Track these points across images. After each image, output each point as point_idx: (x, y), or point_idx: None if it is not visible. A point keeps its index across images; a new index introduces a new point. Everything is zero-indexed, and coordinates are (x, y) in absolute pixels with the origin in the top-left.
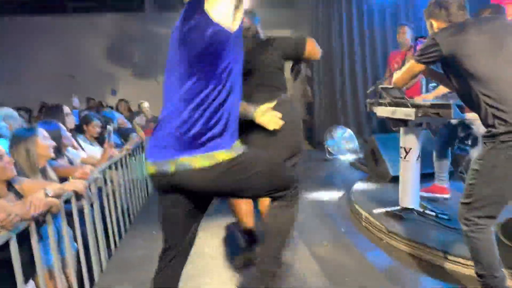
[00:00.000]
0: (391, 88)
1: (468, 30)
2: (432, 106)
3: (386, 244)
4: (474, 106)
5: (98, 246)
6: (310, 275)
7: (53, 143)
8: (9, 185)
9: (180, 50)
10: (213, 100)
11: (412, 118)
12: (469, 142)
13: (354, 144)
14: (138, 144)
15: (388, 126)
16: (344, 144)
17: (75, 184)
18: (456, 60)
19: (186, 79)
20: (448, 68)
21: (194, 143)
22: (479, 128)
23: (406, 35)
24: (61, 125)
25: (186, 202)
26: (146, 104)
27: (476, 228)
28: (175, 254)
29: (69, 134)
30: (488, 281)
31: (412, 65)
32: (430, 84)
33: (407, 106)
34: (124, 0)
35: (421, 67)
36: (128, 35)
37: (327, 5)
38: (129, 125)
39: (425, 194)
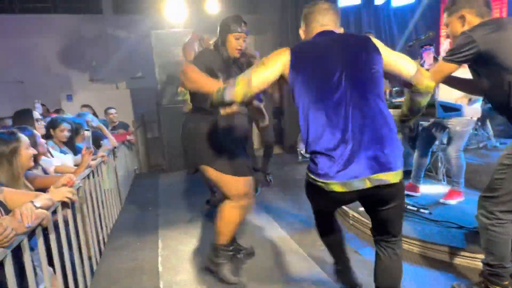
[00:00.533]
0: None
1: (507, 28)
2: None
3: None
4: (503, 104)
5: (82, 259)
6: (311, 274)
7: (34, 151)
8: None
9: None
10: None
11: (397, 118)
12: (445, 141)
13: None
14: (110, 151)
15: None
16: None
17: (62, 194)
18: (492, 57)
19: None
20: (480, 65)
21: None
22: (455, 127)
23: None
24: (35, 131)
25: None
26: (113, 110)
27: (498, 222)
28: None
29: (43, 141)
30: (497, 270)
31: (442, 66)
32: (394, 88)
33: (389, 107)
34: (80, 1)
35: (453, 67)
36: (85, 37)
37: (294, 10)
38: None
39: None
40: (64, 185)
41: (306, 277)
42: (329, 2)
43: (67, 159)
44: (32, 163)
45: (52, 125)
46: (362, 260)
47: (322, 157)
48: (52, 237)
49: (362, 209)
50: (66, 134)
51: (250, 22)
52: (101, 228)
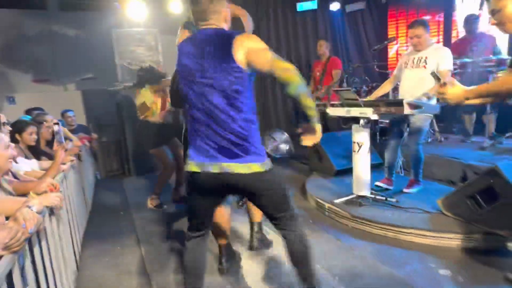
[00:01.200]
0: (343, 90)
1: None
2: (386, 104)
3: (352, 229)
4: None
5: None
6: None
7: (14, 153)
8: None
9: None
10: None
11: (369, 115)
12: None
13: (291, 145)
14: (76, 154)
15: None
16: (283, 146)
17: (51, 198)
18: None
19: None
20: None
21: None
22: (415, 123)
23: (324, 47)
24: (4, 135)
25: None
26: (71, 113)
27: None
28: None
29: (13, 145)
30: None
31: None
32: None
33: (360, 106)
34: None
35: None
36: (27, 35)
37: (255, 11)
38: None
39: (380, 185)
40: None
41: None
42: None
43: (33, 164)
44: (11, 165)
45: (18, 129)
46: (344, 247)
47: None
48: (41, 244)
49: (337, 200)
50: (34, 137)
51: None
52: (75, 233)
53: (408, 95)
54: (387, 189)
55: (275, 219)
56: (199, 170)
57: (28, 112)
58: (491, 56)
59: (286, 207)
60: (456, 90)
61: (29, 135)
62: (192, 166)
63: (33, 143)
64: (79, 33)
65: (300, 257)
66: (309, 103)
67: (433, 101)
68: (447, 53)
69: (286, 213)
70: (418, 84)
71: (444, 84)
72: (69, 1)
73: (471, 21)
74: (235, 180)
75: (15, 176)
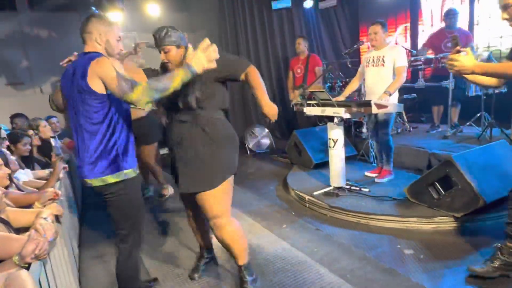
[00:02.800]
0: (319, 91)
1: None
2: (357, 104)
3: (330, 218)
4: None
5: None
6: (284, 251)
7: (9, 171)
8: None
9: None
10: None
11: (342, 115)
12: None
13: (271, 140)
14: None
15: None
16: (263, 141)
17: (56, 208)
18: None
19: None
20: None
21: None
22: (382, 116)
23: (302, 45)
24: (4, 149)
25: None
26: (54, 119)
27: None
28: None
29: (14, 158)
30: None
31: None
32: (327, 84)
33: (334, 106)
34: None
35: None
36: None
37: (232, 10)
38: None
39: (379, 180)
40: (51, 199)
41: (280, 254)
42: (89, 14)
43: (28, 174)
44: (8, 182)
45: (13, 140)
46: (323, 235)
47: None
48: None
49: (316, 193)
50: (28, 147)
51: (183, 20)
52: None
53: (372, 91)
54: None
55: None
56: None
57: (13, 118)
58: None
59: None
60: (467, 61)
61: (23, 146)
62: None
63: (27, 154)
64: (52, 35)
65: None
66: (175, 83)
67: (395, 97)
68: (401, 51)
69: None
70: (380, 81)
71: (458, 52)
72: (40, 1)
73: (451, 15)
74: None
75: (19, 189)
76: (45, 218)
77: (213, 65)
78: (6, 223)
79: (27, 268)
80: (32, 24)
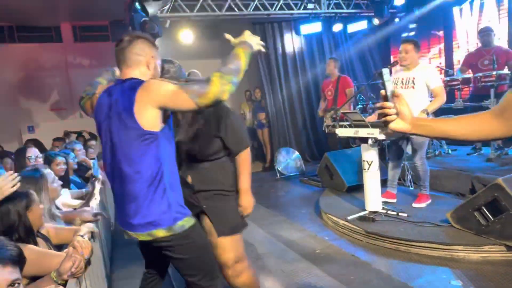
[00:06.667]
0: (351, 112)
1: None
2: None
3: (366, 244)
4: None
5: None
6: (319, 279)
7: (60, 183)
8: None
9: None
10: None
11: (376, 135)
12: (409, 152)
13: (301, 163)
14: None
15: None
16: (293, 164)
17: (90, 225)
18: None
19: None
20: None
21: None
22: (416, 139)
23: (332, 66)
24: (49, 170)
25: None
26: (93, 142)
27: None
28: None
29: (56, 177)
30: None
31: None
32: (357, 106)
33: (367, 127)
34: (39, 31)
35: None
36: (44, 66)
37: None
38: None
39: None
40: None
41: (314, 283)
42: (133, 34)
43: (66, 194)
44: (61, 194)
45: (47, 161)
46: (360, 262)
47: None
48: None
49: (350, 217)
50: (63, 167)
51: (214, 47)
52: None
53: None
54: (389, 203)
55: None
56: None
57: (54, 141)
58: (498, 71)
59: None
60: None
61: (57, 166)
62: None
63: (62, 173)
64: (93, 63)
65: None
66: (243, 61)
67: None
68: (433, 71)
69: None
70: (410, 104)
71: (386, 99)
72: (83, 32)
73: (485, 33)
74: None
75: (58, 208)
76: (82, 236)
77: (262, 48)
78: (47, 239)
79: (64, 285)
80: (75, 53)
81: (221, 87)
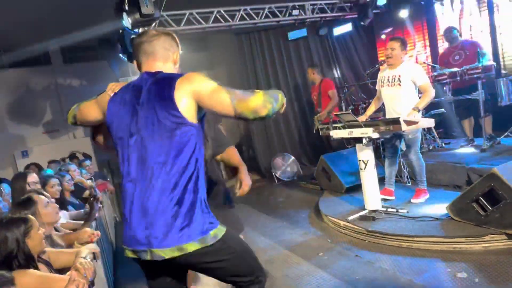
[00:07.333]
0: (344, 113)
1: None
2: (385, 123)
3: (369, 243)
4: None
5: None
6: (324, 281)
7: (56, 207)
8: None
9: None
10: None
11: (370, 135)
12: (403, 148)
13: (298, 167)
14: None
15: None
16: (290, 169)
17: (91, 246)
18: None
19: None
20: None
21: None
22: (408, 136)
23: (312, 74)
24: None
25: None
26: (88, 162)
27: None
28: None
29: (51, 200)
30: None
31: None
32: (349, 107)
33: (361, 127)
34: (28, 55)
35: None
36: (35, 90)
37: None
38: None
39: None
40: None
41: (320, 285)
42: (159, 29)
43: (64, 215)
44: (59, 217)
45: (43, 182)
46: (364, 261)
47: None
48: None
49: (351, 217)
50: (58, 188)
51: (203, 58)
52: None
53: (394, 112)
54: (387, 200)
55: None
56: None
57: (49, 163)
58: (476, 62)
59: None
60: None
61: (52, 188)
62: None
63: (57, 195)
64: (84, 83)
65: None
66: (280, 96)
67: (418, 115)
68: (418, 69)
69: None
70: (397, 101)
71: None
72: (72, 53)
73: (447, 32)
74: None
75: (56, 229)
76: (84, 257)
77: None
78: (48, 264)
79: None
80: (65, 75)
81: (263, 102)
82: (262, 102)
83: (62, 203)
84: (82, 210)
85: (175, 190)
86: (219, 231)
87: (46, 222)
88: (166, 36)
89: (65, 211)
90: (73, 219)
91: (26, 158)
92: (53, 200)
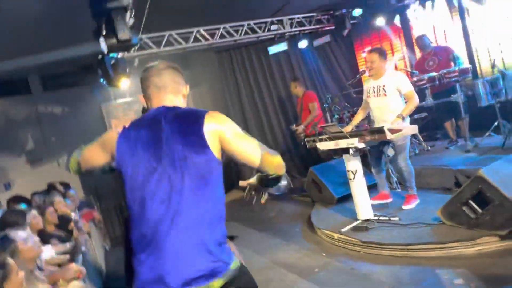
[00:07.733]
0: (329, 125)
1: None
2: (370, 132)
3: (364, 254)
4: None
5: None
6: None
7: (38, 240)
8: None
9: None
10: None
11: (356, 145)
12: (390, 154)
13: (288, 180)
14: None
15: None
16: (281, 182)
17: (77, 284)
18: None
19: None
20: None
21: None
22: (397, 142)
23: (294, 88)
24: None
25: None
26: (72, 192)
27: None
28: None
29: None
30: None
31: None
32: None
33: (346, 137)
34: (6, 84)
35: None
36: (15, 120)
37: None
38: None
39: (375, 202)
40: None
41: None
42: (165, 62)
43: (48, 250)
44: (42, 250)
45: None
46: (361, 274)
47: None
48: None
49: (344, 229)
50: (39, 220)
51: (185, 77)
52: None
53: (381, 121)
54: (384, 204)
55: None
56: None
57: (32, 196)
58: (452, 65)
59: None
60: None
61: (34, 219)
62: None
63: (40, 227)
64: (65, 110)
65: None
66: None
67: (407, 121)
68: (401, 77)
69: None
70: (385, 110)
71: None
72: (52, 81)
73: (420, 40)
74: None
75: (40, 268)
76: None
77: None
78: None
79: None
80: (46, 103)
81: (283, 163)
82: (283, 162)
83: (44, 236)
84: (67, 243)
85: (213, 226)
86: (235, 261)
87: (27, 258)
88: (173, 70)
89: (49, 246)
90: (59, 253)
91: (9, 191)
92: (36, 239)
